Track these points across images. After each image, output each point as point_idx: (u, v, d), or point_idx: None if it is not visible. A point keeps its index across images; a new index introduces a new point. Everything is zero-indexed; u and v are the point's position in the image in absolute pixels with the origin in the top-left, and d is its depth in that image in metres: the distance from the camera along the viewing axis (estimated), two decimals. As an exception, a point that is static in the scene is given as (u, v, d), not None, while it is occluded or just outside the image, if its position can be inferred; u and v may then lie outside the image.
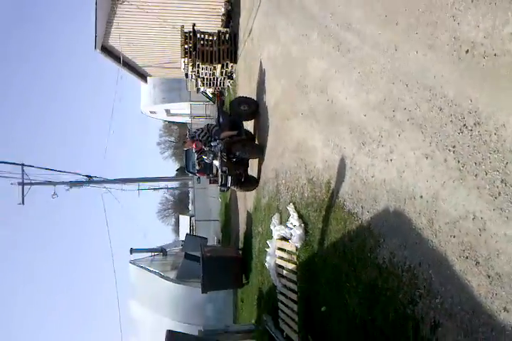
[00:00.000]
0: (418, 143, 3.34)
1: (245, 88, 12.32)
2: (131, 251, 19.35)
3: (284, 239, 6.78)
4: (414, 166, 3.39)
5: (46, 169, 19.92)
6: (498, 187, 2.52)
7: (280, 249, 6.84)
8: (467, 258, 2.75)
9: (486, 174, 2.62)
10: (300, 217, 6.28)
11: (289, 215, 6.67)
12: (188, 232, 36.08)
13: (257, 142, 9.91)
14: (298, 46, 6.81)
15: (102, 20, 16.89)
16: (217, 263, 11.29)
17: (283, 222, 7.12)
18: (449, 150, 2.96)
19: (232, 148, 8.99)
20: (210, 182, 15.05)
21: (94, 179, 24.05)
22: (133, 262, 17.76)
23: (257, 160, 9.77)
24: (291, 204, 6.75)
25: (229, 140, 9.17)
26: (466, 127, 2.80)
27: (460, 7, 2.81)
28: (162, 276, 15.18)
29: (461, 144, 2.85)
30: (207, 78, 16.38)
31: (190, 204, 48.66)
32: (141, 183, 26.45)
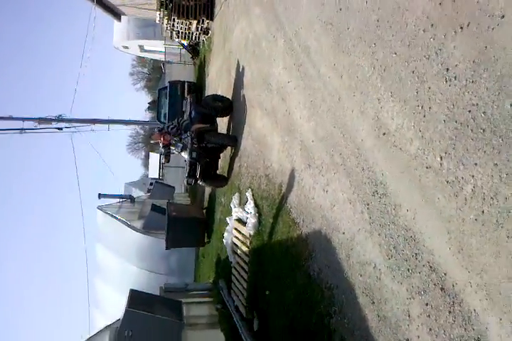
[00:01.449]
0: (346, 187, 4.00)
1: (218, 57, 12.53)
2: (100, 196, 19.95)
3: (241, 221, 7.53)
4: (342, 205, 4.07)
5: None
6: (391, 250, 3.24)
7: (236, 230, 7.60)
8: (367, 295, 3.52)
9: (385, 236, 3.32)
10: (256, 206, 6.98)
11: (247, 200, 7.37)
12: (157, 177, 36.70)
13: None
14: (267, 43, 7.16)
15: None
16: (182, 223, 12.08)
17: (241, 203, 7.82)
18: (365, 205, 3.63)
19: (205, 135, 8.67)
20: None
21: (63, 117, 24.12)
22: (100, 208, 18.41)
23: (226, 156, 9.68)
24: (249, 190, 7.42)
25: (201, 128, 8.82)
26: (378, 193, 3.46)
27: (385, 104, 3.37)
28: (129, 225, 15.96)
29: (373, 204, 3.52)
30: (182, 32, 16.32)
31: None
32: (111, 125, 26.61)
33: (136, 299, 8.68)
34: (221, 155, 9.63)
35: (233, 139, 8.94)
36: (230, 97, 9.87)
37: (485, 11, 2.35)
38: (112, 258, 16.98)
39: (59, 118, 22.99)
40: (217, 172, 9.80)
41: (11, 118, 22.74)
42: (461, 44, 2.52)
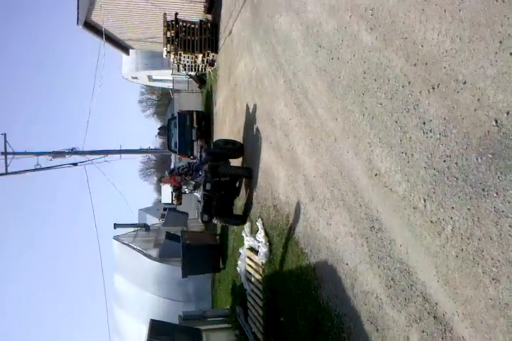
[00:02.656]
0: (347, 221, 4.34)
1: (224, 88, 13.05)
2: (115, 226, 20.38)
3: (253, 249, 7.85)
4: (344, 238, 4.40)
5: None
6: (390, 281, 3.56)
7: (249, 258, 7.92)
8: (372, 323, 3.83)
9: (384, 268, 3.64)
10: (266, 234, 7.31)
11: (257, 229, 7.71)
12: (169, 202, 37.06)
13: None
14: (269, 81, 7.61)
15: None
16: (197, 250, 12.42)
17: (253, 232, 8.16)
18: (365, 239, 3.97)
19: (219, 168, 8.44)
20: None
21: (77, 150, 24.78)
22: (116, 238, 18.80)
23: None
24: (259, 219, 7.76)
25: (213, 163, 8.63)
26: (374, 228, 3.80)
27: (375, 148, 3.75)
28: (145, 254, 16.31)
29: (371, 239, 3.86)
30: (188, 65, 16.92)
31: (172, 165, 49.51)
32: (123, 155, 27.22)
33: (157, 329, 8.98)
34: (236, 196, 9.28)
35: (248, 170, 8.60)
36: (240, 140, 9.75)
37: (450, 75, 2.73)
38: (130, 287, 17.27)
39: (73, 152, 23.66)
40: (233, 209, 9.40)
41: (25, 152, 23.48)
42: (433, 102, 2.89)
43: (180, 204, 9.62)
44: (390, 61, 3.45)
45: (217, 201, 8.44)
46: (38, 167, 22.74)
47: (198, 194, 8.76)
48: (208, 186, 8.27)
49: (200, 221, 9.08)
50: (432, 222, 2.99)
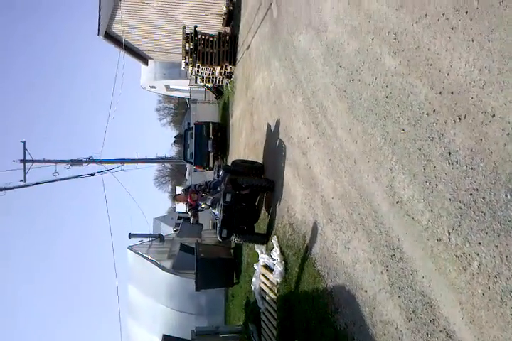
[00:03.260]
0: (366, 247, 4.23)
1: (241, 101, 13.04)
2: (130, 235, 20.41)
3: (268, 267, 7.75)
4: (363, 264, 4.29)
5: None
6: (411, 313, 3.44)
7: (264, 276, 7.81)
8: (390, 355, 3.70)
9: (405, 299, 3.53)
10: (282, 253, 7.21)
11: (272, 246, 7.61)
12: (184, 211, 37.12)
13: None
14: (287, 97, 7.56)
15: (106, 9, 17.49)
16: (211, 264, 12.36)
17: (268, 249, 8.06)
18: (385, 267, 3.86)
19: (238, 180, 7.96)
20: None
21: (94, 159, 25.01)
22: (131, 248, 18.82)
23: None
24: (275, 236, 7.67)
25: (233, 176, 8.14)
26: (395, 257, 3.69)
27: (397, 175, 3.66)
28: (159, 265, 16.27)
29: (392, 267, 3.75)
30: (206, 77, 16.98)
31: (187, 174, 49.71)
32: (139, 164, 27.40)
33: (169, 344, 8.88)
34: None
35: (270, 181, 8.04)
36: (258, 157, 9.51)
37: (478, 107, 2.64)
38: (143, 298, 17.24)
39: (90, 160, 23.87)
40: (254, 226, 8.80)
41: (44, 160, 23.76)
42: (460, 132, 2.80)
43: (197, 222, 9.03)
44: (413, 87, 3.36)
45: (237, 215, 7.84)
46: (56, 174, 23.01)
47: (215, 210, 8.08)
48: (228, 197, 7.58)
49: (218, 237, 8.01)
50: (456, 256, 2.88)
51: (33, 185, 17.12)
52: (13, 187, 15.33)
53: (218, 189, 8.09)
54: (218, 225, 7.81)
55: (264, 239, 8.14)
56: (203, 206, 8.37)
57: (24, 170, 22.45)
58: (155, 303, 16.13)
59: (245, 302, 10.67)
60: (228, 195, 7.59)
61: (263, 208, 8.79)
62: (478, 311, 2.69)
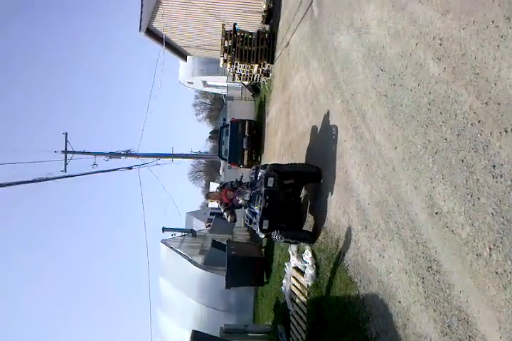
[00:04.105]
0: (401, 257, 4.14)
1: (277, 99, 12.99)
2: (163, 229, 20.72)
3: (299, 270, 7.70)
4: (397, 274, 4.20)
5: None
6: (446, 328, 3.35)
7: (295, 278, 7.77)
8: (422, 369, 3.61)
9: (440, 313, 3.43)
10: (314, 256, 7.15)
11: (304, 249, 7.56)
12: (216, 207, 37.47)
13: None
14: (324, 98, 7.47)
15: (148, 6, 17.77)
16: (242, 262, 12.40)
17: (299, 252, 8.01)
18: (420, 278, 3.76)
19: (281, 167, 7.14)
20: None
21: (132, 152, 25.45)
22: (164, 242, 19.10)
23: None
24: (307, 239, 7.60)
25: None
26: (432, 269, 3.59)
27: (437, 185, 3.56)
28: (190, 260, 16.44)
29: (428, 279, 3.65)
30: (244, 75, 17.00)
31: (220, 170, 50.02)
32: (174, 159, 27.73)
33: (198, 340, 8.95)
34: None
35: (316, 168, 7.08)
36: (300, 157, 8.65)
37: (527, 120, 2.53)
38: (174, 292, 17.47)
39: (128, 153, 24.30)
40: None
41: (84, 152, 24.34)
42: (506, 146, 2.69)
43: (235, 220, 7.71)
44: (458, 96, 3.25)
45: (281, 203, 6.76)
46: (95, 166, 23.56)
47: (255, 206, 6.90)
48: (270, 181, 6.55)
49: (258, 231, 6.83)
50: (497, 273, 2.77)
51: (72, 176, 17.53)
52: (54, 178, 15.74)
53: (257, 185, 7.01)
54: (258, 216, 6.70)
55: (311, 237, 7.05)
56: (240, 202, 7.25)
57: (65, 161, 23.10)
58: (185, 297, 16.31)
59: (275, 302, 10.66)
60: (270, 179, 6.57)
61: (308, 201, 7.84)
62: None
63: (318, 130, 7.65)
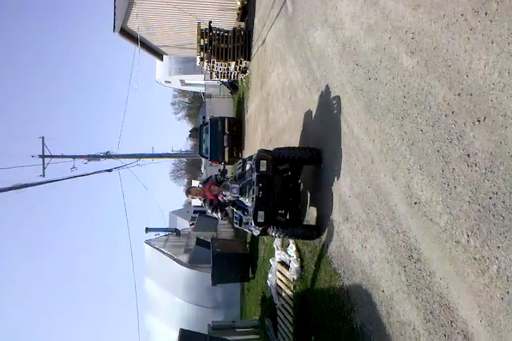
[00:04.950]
0: (383, 247, 4.23)
1: (256, 96, 13.03)
2: (147, 230, 20.64)
3: (284, 264, 7.78)
4: (380, 263, 4.29)
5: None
6: (428, 314, 3.44)
7: (280, 272, 7.85)
8: (407, 355, 3.71)
9: (422, 300, 3.53)
10: (298, 250, 7.23)
11: (288, 243, 7.63)
12: (199, 204, 37.39)
13: None
14: (302, 94, 7.53)
15: (121, 6, 17.60)
16: (227, 259, 12.46)
17: (284, 246, 8.09)
18: (402, 267, 3.85)
19: (273, 150, 6.12)
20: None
21: (111, 154, 25.26)
22: (148, 242, 19.02)
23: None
24: (291, 233, 7.66)
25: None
26: (413, 257, 3.68)
27: (414, 175, 3.64)
28: (175, 259, 16.42)
29: (409, 268, 3.74)
30: (221, 72, 16.99)
31: (202, 167, 49.91)
32: (155, 159, 27.59)
33: (186, 339, 8.99)
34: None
35: (315, 151, 6.10)
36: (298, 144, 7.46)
37: (498, 110, 2.61)
38: (160, 292, 17.43)
39: (107, 155, 24.09)
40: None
41: (62, 156, 24.04)
42: (479, 135, 2.78)
43: (227, 215, 6.65)
44: (432, 88, 3.34)
45: (278, 190, 5.78)
46: (74, 170, 23.31)
47: (246, 199, 5.89)
48: (263, 165, 5.60)
49: (251, 227, 5.81)
50: (475, 259, 2.86)
51: (52, 181, 17.33)
52: (32, 184, 15.53)
53: (246, 176, 5.99)
54: (251, 209, 5.69)
55: (315, 231, 6.08)
56: (227, 197, 6.14)
57: (43, 166, 22.79)
58: (172, 296, 16.30)
59: (261, 297, 10.74)
60: (263, 163, 5.61)
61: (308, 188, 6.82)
62: (497, 315, 2.69)
63: (298, 126, 7.71)
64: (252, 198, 5.63)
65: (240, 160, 6.45)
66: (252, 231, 6.01)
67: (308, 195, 6.65)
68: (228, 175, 6.91)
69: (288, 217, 6.23)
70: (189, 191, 6.79)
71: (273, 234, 5.87)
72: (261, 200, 5.63)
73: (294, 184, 6.23)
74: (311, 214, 6.48)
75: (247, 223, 5.89)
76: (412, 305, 3.68)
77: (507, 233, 2.57)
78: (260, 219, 5.68)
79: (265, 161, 5.65)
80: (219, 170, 7.25)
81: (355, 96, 4.98)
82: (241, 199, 6.02)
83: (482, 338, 2.84)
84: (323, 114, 6.23)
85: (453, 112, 3.07)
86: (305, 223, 6.55)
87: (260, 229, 5.84)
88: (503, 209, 2.59)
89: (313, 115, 6.71)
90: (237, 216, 6.18)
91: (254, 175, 5.63)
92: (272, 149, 6.17)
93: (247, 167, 6.03)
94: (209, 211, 6.65)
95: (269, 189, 5.65)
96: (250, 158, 6.08)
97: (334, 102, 5.74)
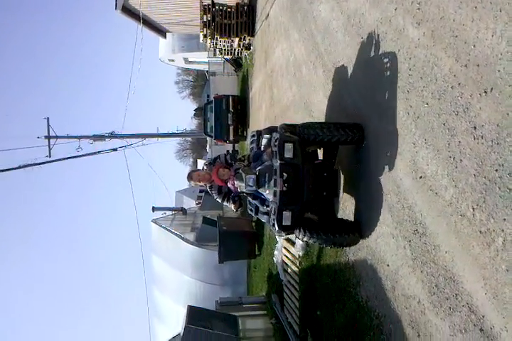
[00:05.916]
0: (389, 222, 4.22)
1: (260, 73, 12.90)
2: (153, 209, 20.77)
3: (290, 240, 7.82)
4: (385, 238, 4.29)
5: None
6: (433, 287, 3.45)
7: (286, 249, 7.90)
8: (413, 328, 3.75)
9: (427, 274, 3.53)
10: (303, 226, 7.24)
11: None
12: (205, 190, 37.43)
13: None
14: (307, 69, 7.44)
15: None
16: (233, 236, 12.55)
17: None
18: (407, 241, 3.86)
19: (297, 128, 4.59)
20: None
21: (116, 134, 25.23)
22: (154, 221, 19.19)
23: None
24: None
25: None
26: (418, 232, 3.68)
27: (419, 149, 3.60)
28: (182, 238, 16.57)
29: (414, 242, 3.74)
30: (225, 49, 16.80)
31: (207, 146, 49.85)
32: (160, 139, 27.57)
33: (194, 315, 9.15)
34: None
35: (356, 127, 4.63)
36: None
37: (505, 80, 2.56)
38: (168, 270, 17.67)
39: (112, 135, 24.07)
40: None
41: (67, 136, 24.06)
42: (485, 106, 2.73)
43: (241, 206, 5.57)
44: (438, 59, 3.27)
45: (308, 182, 4.40)
46: (80, 150, 23.30)
47: (265, 191, 4.49)
48: (289, 150, 4.22)
49: (273, 228, 4.50)
50: (481, 232, 2.85)
51: (58, 160, 17.39)
52: (39, 163, 15.61)
53: (263, 158, 4.71)
54: (273, 205, 4.38)
55: (356, 232, 4.74)
56: (241, 189, 4.77)
57: (49, 146, 22.83)
58: (180, 274, 16.52)
59: (268, 274, 10.85)
60: (288, 146, 4.22)
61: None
62: (502, 287, 2.68)
63: (302, 103, 7.64)
64: (275, 192, 4.31)
65: (253, 133, 5.29)
66: (274, 231, 4.72)
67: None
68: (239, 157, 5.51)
69: (320, 214, 4.87)
70: (191, 176, 5.41)
71: (300, 237, 4.55)
72: (286, 197, 4.28)
73: (329, 172, 4.81)
74: (348, 207, 5.24)
75: (269, 216, 4.56)
76: (417, 278, 3.68)
77: (513, 205, 2.55)
78: (286, 222, 4.33)
79: (291, 144, 4.23)
80: (228, 151, 5.94)
81: (361, 69, 4.90)
82: (260, 191, 4.59)
83: (487, 310, 2.85)
84: (327, 90, 6.15)
85: (459, 84, 3.01)
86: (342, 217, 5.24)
87: (285, 233, 4.68)
88: (510, 182, 2.56)
89: (318, 92, 6.64)
90: (253, 203, 5.00)
91: (277, 163, 4.25)
92: (297, 124, 4.75)
93: (264, 141, 4.88)
94: (218, 200, 5.53)
95: (296, 181, 4.31)
96: (269, 130, 5.00)
97: (340, 77, 5.66)
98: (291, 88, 8.69)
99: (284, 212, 4.31)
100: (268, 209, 4.60)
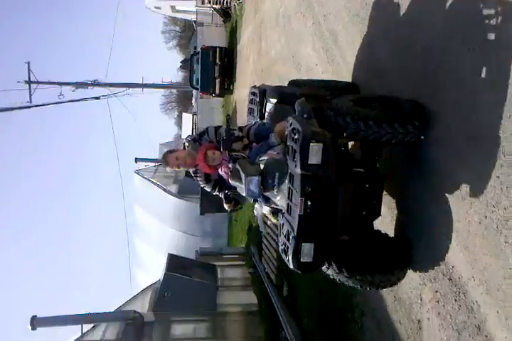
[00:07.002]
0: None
1: (249, 24, 12.59)
2: (136, 160, 20.65)
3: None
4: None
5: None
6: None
7: (267, 202, 8.01)
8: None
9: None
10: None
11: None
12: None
13: None
14: (296, 21, 7.28)
15: None
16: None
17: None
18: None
19: (325, 110, 3.14)
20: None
21: (99, 82, 24.70)
22: (137, 172, 19.20)
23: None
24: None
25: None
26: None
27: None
28: (165, 190, 16.69)
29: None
30: (214, -1, 16.32)
31: (193, 100, 49.19)
32: (145, 89, 27.06)
33: (174, 263, 9.35)
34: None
35: (414, 104, 3.14)
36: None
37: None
38: (150, 220, 17.90)
39: (95, 83, 23.55)
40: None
41: (49, 82, 23.45)
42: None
43: (238, 204, 4.40)
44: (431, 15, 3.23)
45: (343, 201, 3.07)
46: (61, 97, 22.78)
47: (276, 197, 3.10)
48: (316, 153, 2.72)
49: (290, 263, 2.98)
50: (457, 186, 2.92)
51: (39, 106, 17.06)
52: (19, 108, 15.28)
53: (271, 141, 3.36)
54: (289, 228, 2.97)
55: (401, 272, 3.44)
56: (237, 189, 3.49)
57: (30, 91, 22.26)
58: (161, 225, 16.76)
59: (248, 226, 11.06)
60: (315, 148, 2.72)
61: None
62: (473, 239, 2.78)
63: (290, 56, 7.52)
64: (288, 206, 2.95)
65: (254, 89, 4.29)
66: (288, 262, 3.10)
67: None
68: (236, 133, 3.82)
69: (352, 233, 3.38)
70: (166, 160, 3.83)
71: (324, 270, 3.28)
72: (309, 224, 2.86)
73: (372, 182, 3.30)
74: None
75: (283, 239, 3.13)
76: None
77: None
78: (306, 258, 2.92)
79: (319, 145, 2.72)
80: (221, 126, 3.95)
81: (351, 22, 4.81)
82: (267, 194, 3.18)
83: (457, 261, 2.97)
84: (316, 43, 6.05)
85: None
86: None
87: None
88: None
89: (307, 44, 6.53)
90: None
91: (298, 171, 2.77)
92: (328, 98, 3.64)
93: (269, 108, 3.86)
94: (207, 189, 4.17)
95: (325, 201, 2.86)
96: (276, 92, 3.92)
97: (328, 29, 5.56)
98: (280, 40, 8.52)
99: (303, 244, 2.89)
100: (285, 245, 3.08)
